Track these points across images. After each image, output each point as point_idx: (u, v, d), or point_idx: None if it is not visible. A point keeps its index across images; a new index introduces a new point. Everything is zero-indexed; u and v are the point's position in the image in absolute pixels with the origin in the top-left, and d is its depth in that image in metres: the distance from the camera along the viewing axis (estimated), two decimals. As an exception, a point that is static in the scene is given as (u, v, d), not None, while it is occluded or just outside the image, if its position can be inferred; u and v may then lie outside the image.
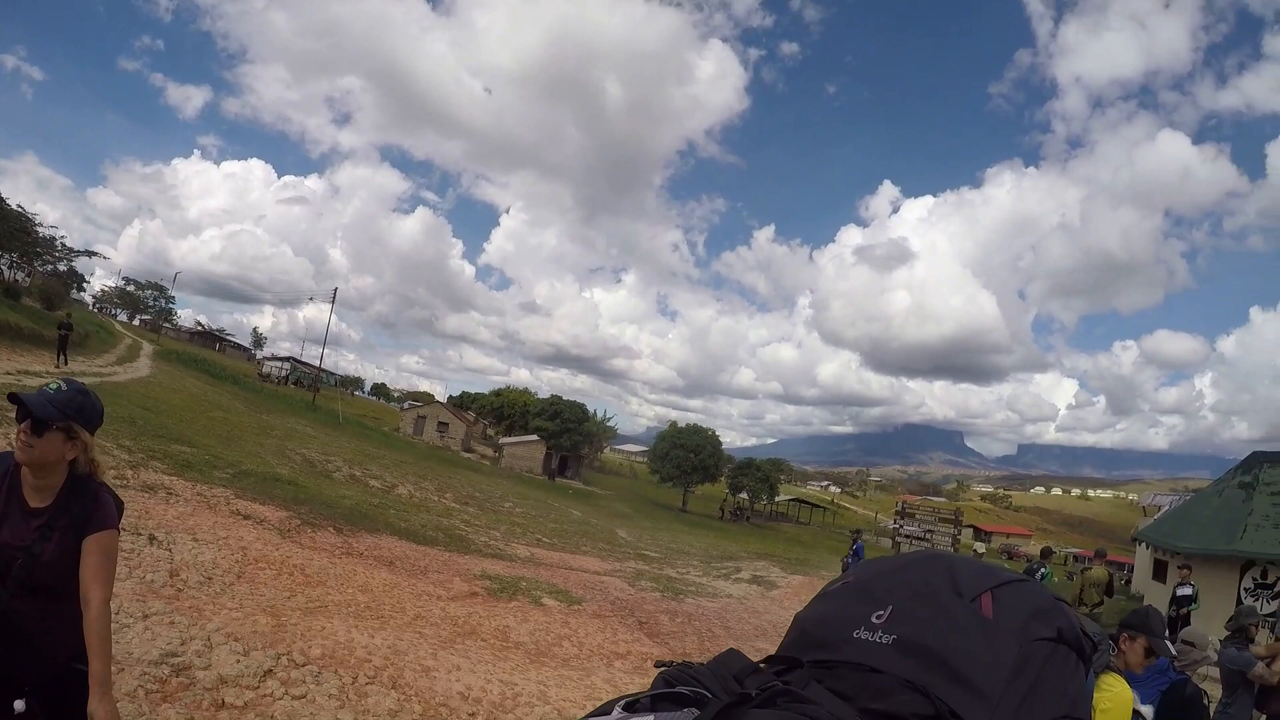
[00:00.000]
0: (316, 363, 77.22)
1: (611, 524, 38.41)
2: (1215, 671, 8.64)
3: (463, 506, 28.83)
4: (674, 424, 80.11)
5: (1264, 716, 8.31)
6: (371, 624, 9.35)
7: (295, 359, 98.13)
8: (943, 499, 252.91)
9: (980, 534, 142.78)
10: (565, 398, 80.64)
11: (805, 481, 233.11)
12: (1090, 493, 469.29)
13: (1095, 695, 4.26)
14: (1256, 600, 24.79)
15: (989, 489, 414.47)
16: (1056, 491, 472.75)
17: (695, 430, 77.01)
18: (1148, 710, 5.04)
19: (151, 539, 9.85)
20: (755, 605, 19.35)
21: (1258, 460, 30.32)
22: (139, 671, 6.10)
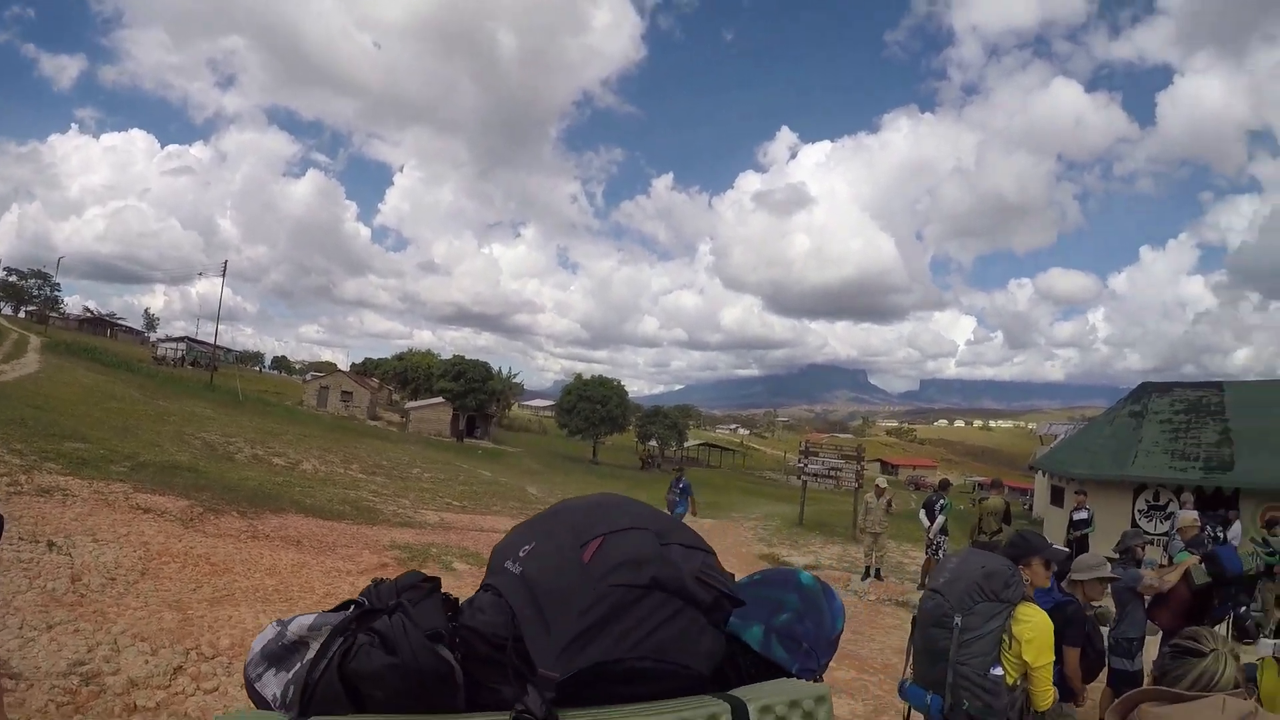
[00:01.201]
0: (212, 340, 75.21)
1: (522, 481, 38.49)
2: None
3: (370, 477, 28.63)
4: (579, 376, 79.98)
5: (1158, 630, 8.89)
6: (280, 607, 9.28)
7: (191, 338, 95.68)
8: (849, 435, 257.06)
9: (887, 467, 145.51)
10: (469, 357, 79.88)
11: (714, 426, 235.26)
12: (991, 424, 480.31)
13: (1015, 628, 4.50)
14: (1150, 520, 25.89)
15: (894, 424, 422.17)
16: (959, 424, 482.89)
17: (601, 381, 76.98)
18: None
19: (50, 545, 9.64)
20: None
21: (1147, 390, 31.75)
22: (48, 685, 6.09)
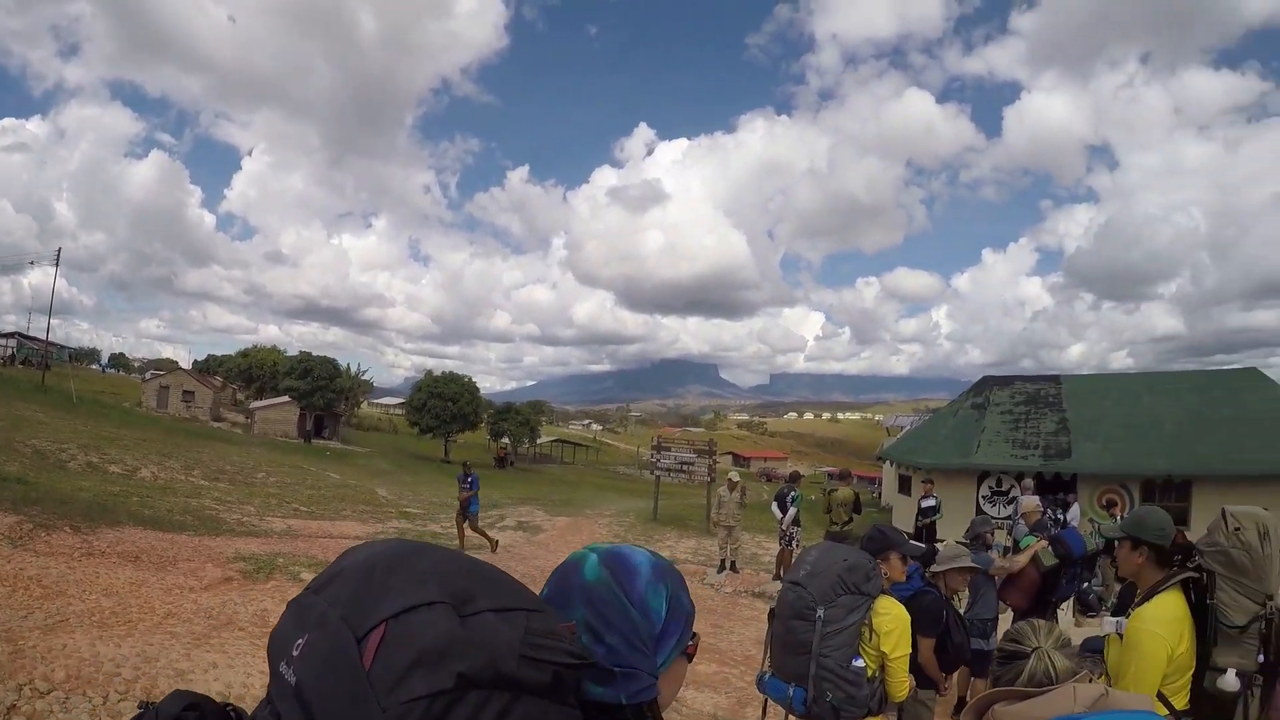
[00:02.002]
0: (44, 336, 71.54)
1: (372, 483, 37.73)
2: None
3: (212, 483, 27.55)
4: (430, 373, 78.85)
5: (1008, 609, 9.32)
6: (118, 631, 8.75)
7: (21, 334, 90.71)
8: (701, 429, 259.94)
9: (739, 460, 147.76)
10: (317, 353, 77.80)
11: (567, 422, 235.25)
12: (840, 416, 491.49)
13: (875, 620, 4.59)
14: (994, 506, 26.97)
15: (745, 417, 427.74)
16: (809, 416, 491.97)
17: (451, 378, 76.06)
18: None
19: None
20: (521, 552, 19.51)
21: (988, 383, 33.29)
22: None
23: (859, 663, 4.52)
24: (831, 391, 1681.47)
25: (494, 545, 19.57)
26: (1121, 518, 18.81)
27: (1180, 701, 3.72)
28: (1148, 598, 3.94)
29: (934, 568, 6.49)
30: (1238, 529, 3.75)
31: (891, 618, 4.64)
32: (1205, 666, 3.73)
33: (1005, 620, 9.49)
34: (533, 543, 21.48)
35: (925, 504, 21.04)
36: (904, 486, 31.26)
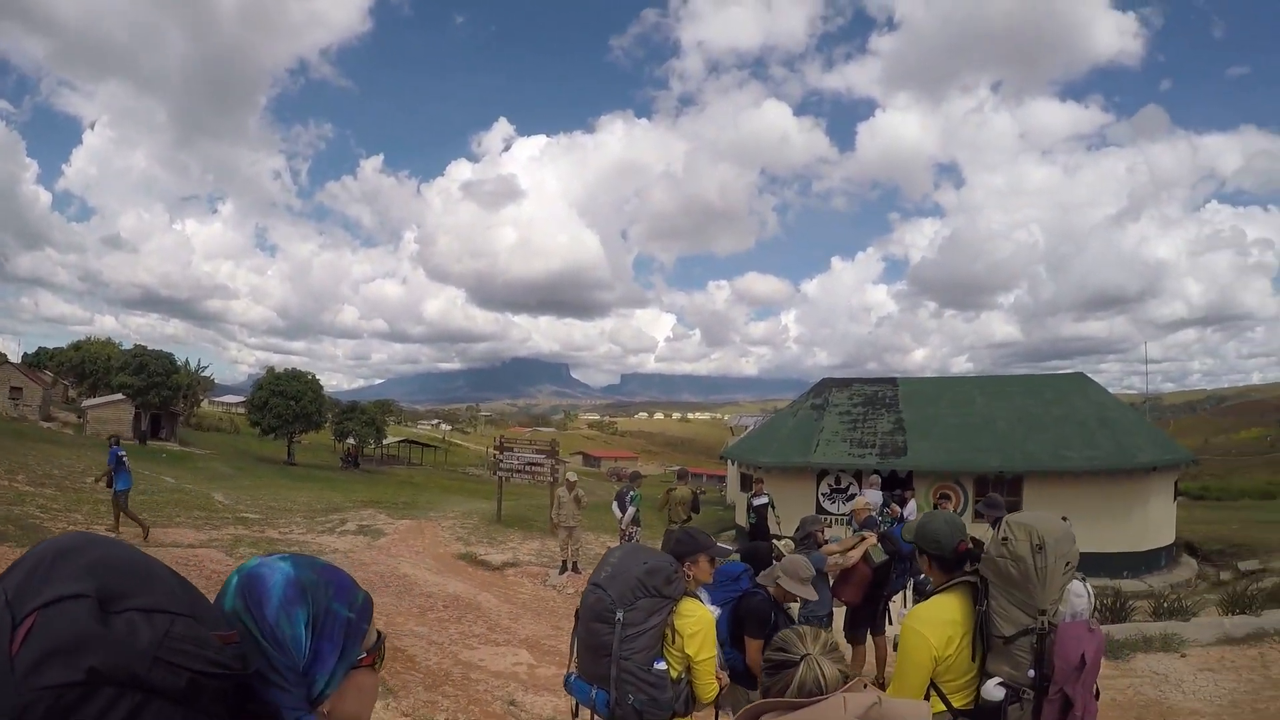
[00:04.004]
0: None
1: (209, 488, 36.50)
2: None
3: (38, 489, 26.32)
4: (272, 370, 76.59)
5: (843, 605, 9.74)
6: None
7: None
8: (552, 429, 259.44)
9: (590, 459, 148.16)
10: (155, 347, 74.36)
11: (416, 421, 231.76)
12: (690, 416, 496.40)
13: (678, 622, 4.56)
14: (833, 502, 27.75)
15: (596, 417, 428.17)
16: (659, 416, 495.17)
17: (295, 375, 73.88)
18: (715, 610, 5.35)
19: None
20: (362, 558, 19.13)
21: (827, 385, 34.16)
22: None
23: (661, 665, 4.52)
24: (682, 392, 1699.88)
25: (146, 531, 19.27)
26: (955, 512, 19.55)
27: (960, 700, 3.85)
28: (927, 598, 4.07)
29: (780, 582, 6.47)
30: (1006, 539, 3.80)
31: (695, 620, 4.62)
32: (983, 672, 3.84)
33: (839, 614, 9.81)
34: (374, 547, 21.09)
35: (757, 502, 21.41)
36: (746, 485, 31.77)
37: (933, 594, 4.13)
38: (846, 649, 10.06)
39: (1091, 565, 24.80)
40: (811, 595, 6.67)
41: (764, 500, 21.19)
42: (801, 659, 2.61)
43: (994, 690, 3.72)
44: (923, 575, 8.82)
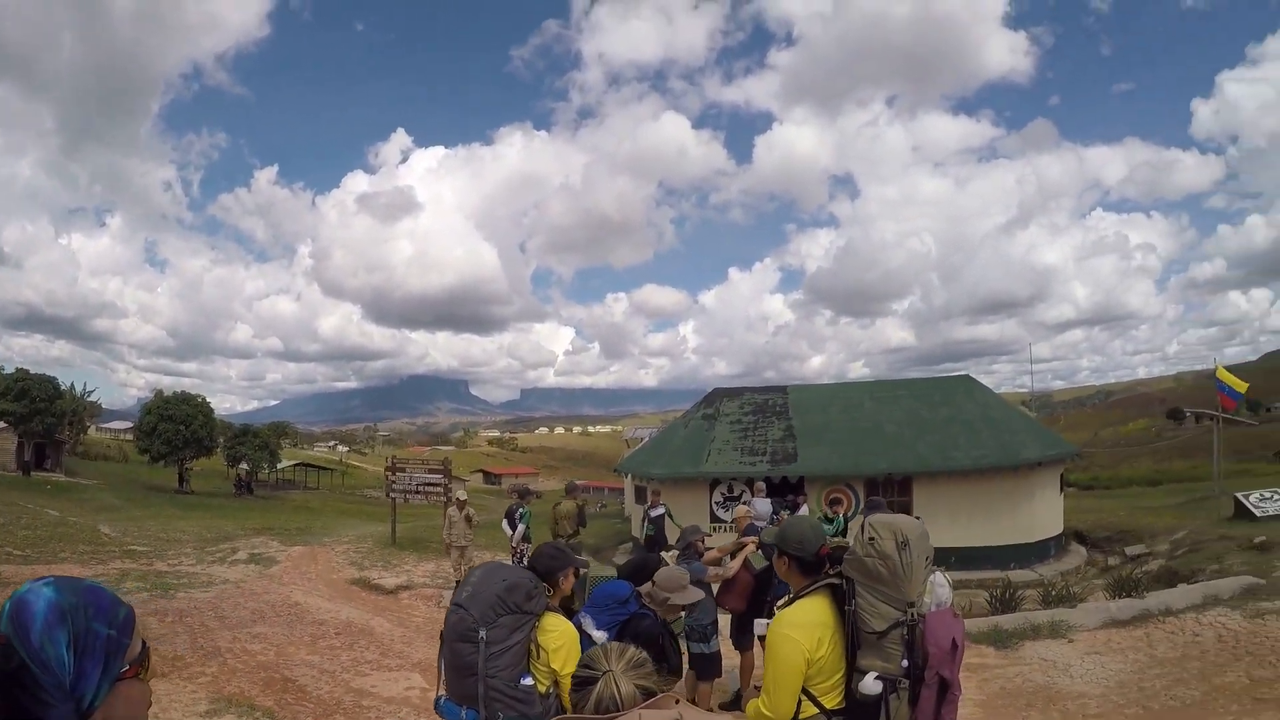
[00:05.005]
0: None
1: (96, 519, 35.35)
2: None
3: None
4: (160, 393, 74.23)
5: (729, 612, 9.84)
6: None
7: None
8: (452, 447, 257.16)
9: (490, 477, 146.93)
10: (38, 370, 71.26)
11: (312, 444, 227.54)
12: (590, 429, 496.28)
13: (541, 638, 4.59)
14: (726, 510, 28.13)
15: (496, 433, 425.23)
16: (560, 430, 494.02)
17: (184, 398, 71.56)
18: (601, 635, 5.33)
19: None
20: (253, 587, 18.83)
21: (718, 395, 34.62)
22: None
23: (528, 681, 4.54)
24: (582, 405, 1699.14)
25: None
26: (846, 515, 19.93)
27: (831, 701, 3.93)
28: (791, 602, 4.19)
29: (672, 601, 6.33)
30: (872, 539, 3.93)
31: (558, 634, 4.65)
32: (854, 669, 3.95)
33: (725, 621, 9.97)
34: (265, 576, 20.71)
35: (654, 513, 21.55)
36: (640, 497, 32.02)
37: (795, 598, 4.20)
38: (734, 655, 10.24)
39: (982, 558, 25.60)
40: (697, 596, 6.64)
41: (661, 511, 21.33)
42: (603, 675, 2.69)
43: (872, 684, 3.82)
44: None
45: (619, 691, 2.61)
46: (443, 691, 4.87)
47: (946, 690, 3.86)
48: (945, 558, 25.61)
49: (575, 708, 2.70)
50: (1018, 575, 23.45)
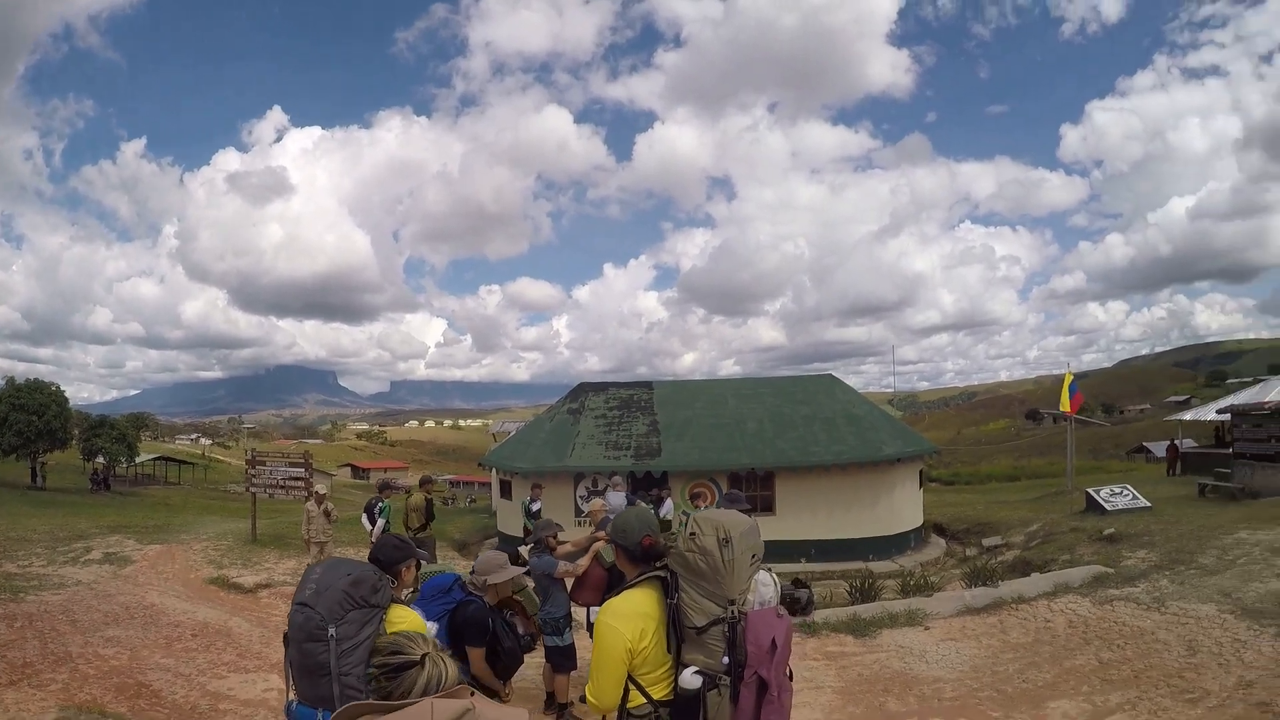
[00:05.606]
0: None
1: (-61, 522, 34.11)
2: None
3: None
4: (12, 380, 70.73)
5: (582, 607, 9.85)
6: None
7: None
8: (319, 440, 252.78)
9: (358, 471, 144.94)
10: None
11: (173, 436, 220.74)
12: (461, 423, 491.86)
13: (390, 631, 4.38)
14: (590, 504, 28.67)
15: (365, 426, 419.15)
16: (430, 424, 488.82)
17: (37, 387, 68.22)
18: (433, 626, 5.34)
19: None
20: (106, 588, 18.25)
21: (584, 389, 34.78)
22: None
23: None
24: (453, 398, 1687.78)
25: None
26: (707, 508, 20.31)
27: (659, 692, 3.96)
28: (619, 592, 4.26)
29: (490, 579, 6.46)
30: (693, 534, 3.91)
31: (406, 626, 4.45)
32: (679, 663, 3.95)
33: (579, 613, 10.12)
34: (120, 577, 20.03)
35: (534, 507, 21.76)
36: (505, 491, 32.05)
37: (624, 589, 4.20)
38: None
39: (843, 550, 26.36)
40: (514, 573, 6.66)
41: (539, 505, 21.66)
42: (423, 657, 2.70)
43: (691, 679, 3.83)
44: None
45: (447, 671, 2.63)
46: (293, 695, 4.66)
47: (765, 690, 3.84)
48: (806, 549, 26.43)
49: (393, 695, 2.67)
50: (878, 566, 24.22)
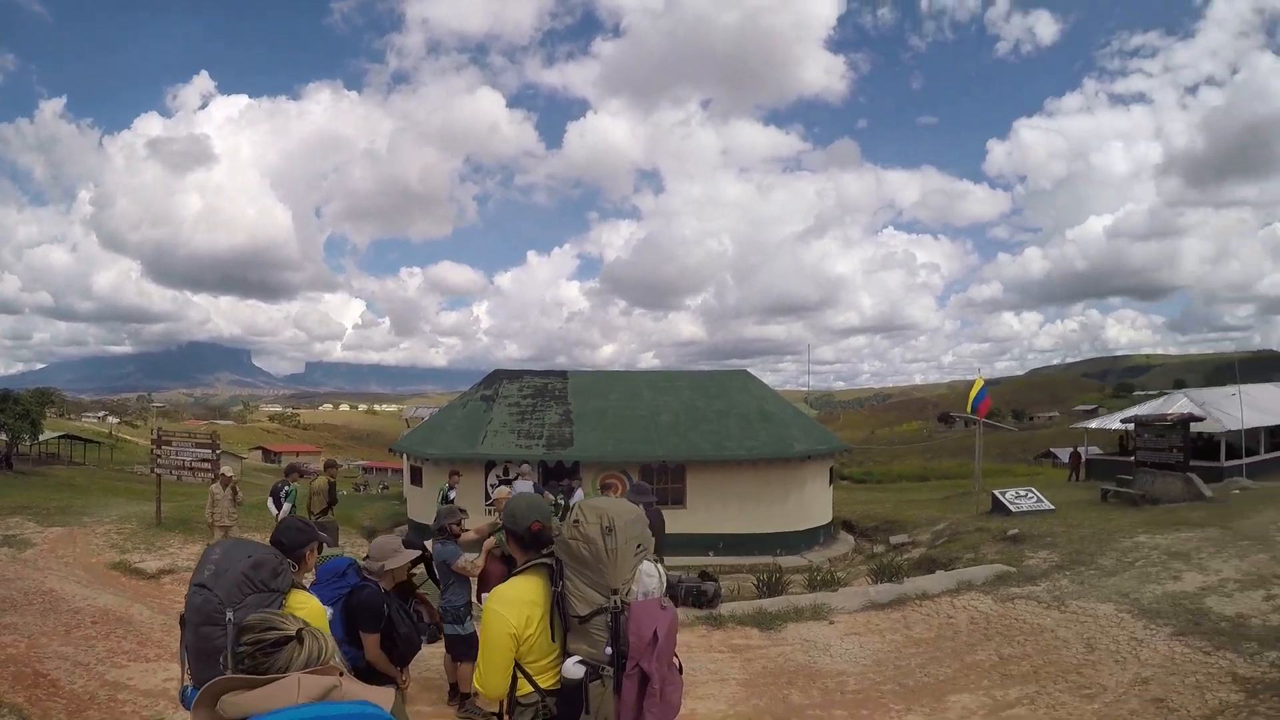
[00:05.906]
0: None
1: None
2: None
3: None
4: (-88, 356, 68.70)
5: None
6: None
7: None
8: (230, 422, 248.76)
9: (270, 455, 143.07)
10: None
11: (80, 414, 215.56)
12: (376, 407, 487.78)
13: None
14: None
15: (278, 408, 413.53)
16: (345, 407, 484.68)
17: None
18: (329, 611, 5.17)
19: None
20: (4, 573, 17.59)
21: (498, 376, 34.66)
22: None
23: None
24: (369, 382, 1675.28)
25: None
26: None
27: (546, 681, 3.89)
28: (507, 579, 4.21)
29: (387, 564, 6.26)
30: (577, 521, 3.87)
31: (306, 611, 4.37)
32: (564, 652, 3.90)
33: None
34: (18, 560, 19.34)
35: (452, 495, 21.73)
36: (416, 478, 31.87)
37: (513, 575, 4.15)
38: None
39: (753, 544, 26.56)
40: (409, 557, 6.48)
41: (455, 493, 21.68)
42: (299, 632, 2.59)
43: (573, 669, 3.78)
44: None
45: (326, 645, 2.56)
46: (189, 681, 4.50)
47: (648, 682, 3.80)
48: (715, 543, 26.58)
49: (268, 670, 2.56)
50: (787, 561, 24.40)
